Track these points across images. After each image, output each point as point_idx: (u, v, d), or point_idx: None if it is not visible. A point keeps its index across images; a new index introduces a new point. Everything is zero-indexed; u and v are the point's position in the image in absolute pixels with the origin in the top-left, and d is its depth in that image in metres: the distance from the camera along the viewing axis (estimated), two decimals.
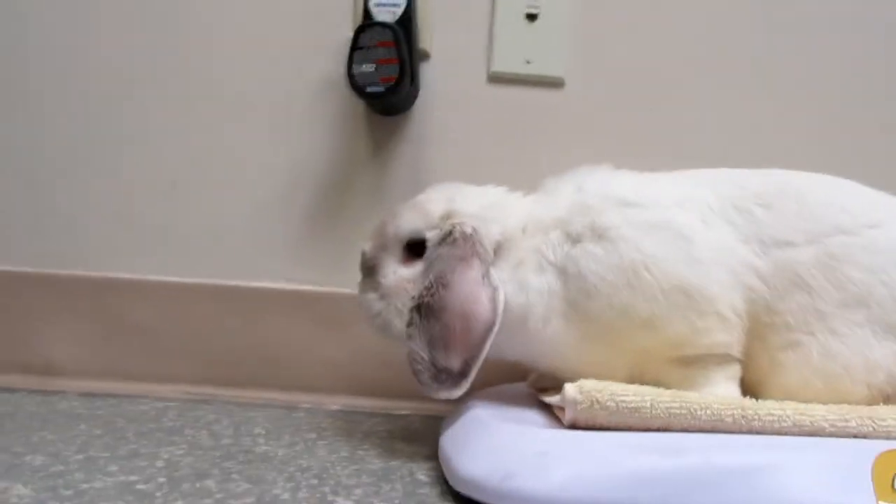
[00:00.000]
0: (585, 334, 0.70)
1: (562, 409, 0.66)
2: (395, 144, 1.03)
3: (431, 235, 0.74)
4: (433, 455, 0.77)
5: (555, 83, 1.03)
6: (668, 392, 0.61)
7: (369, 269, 0.78)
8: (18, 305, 1.02)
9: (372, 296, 0.77)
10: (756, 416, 0.59)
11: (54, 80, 1.04)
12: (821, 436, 0.58)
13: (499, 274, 0.71)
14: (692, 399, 0.60)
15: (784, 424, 0.58)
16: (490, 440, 0.63)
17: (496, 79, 1.03)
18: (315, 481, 0.65)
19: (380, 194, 1.03)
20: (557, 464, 0.57)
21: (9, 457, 0.67)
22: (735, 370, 0.69)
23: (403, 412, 0.99)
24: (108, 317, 1.02)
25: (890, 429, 0.58)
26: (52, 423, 0.82)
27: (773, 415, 0.59)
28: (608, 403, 0.60)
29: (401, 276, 0.75)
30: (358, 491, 0.63)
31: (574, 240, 0.71)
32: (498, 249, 0.73)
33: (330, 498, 0.60)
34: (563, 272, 0.71)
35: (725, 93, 1.04)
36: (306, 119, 1.03)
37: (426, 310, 0.68)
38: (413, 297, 0.71)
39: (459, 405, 0.80)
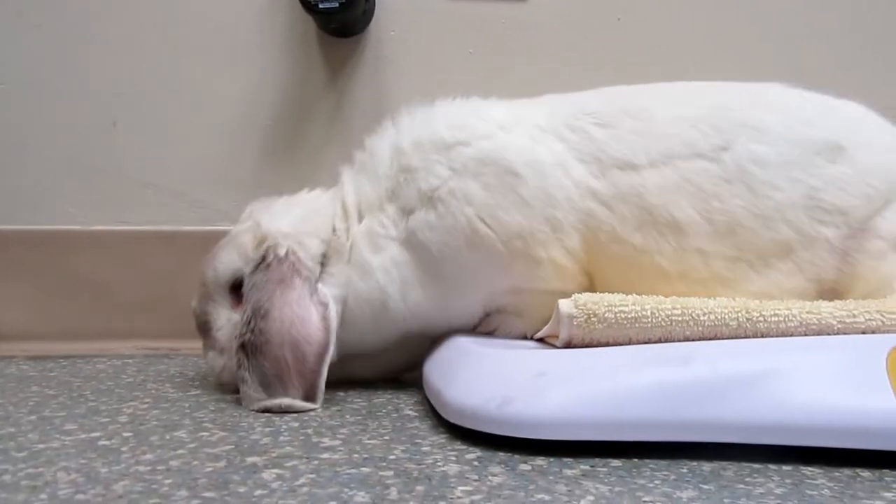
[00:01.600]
0: (445, 294, 0.69)
1: (552, 336, 0.63)
2: (353, 68, 0.97)
3: (249, 269, 0.68)
4: (417, 391, 0.73)
5: None
6: (668, 299, 0.58)
7: (202, 328, 0.72)
8: None
9: (212, 354, 0.71)
10: (761, 318, 0.56)
11: None
12: (828, 334, 0.55)
13: (334, 280, 0.68)
14: (694, 304, 0.57)
15: (790, 325, 0.55)
16: (481, 367, 0.59)
17: None
18: (295, 424, 0.60)
19: (340, 123, 0.97)
20: (557, 384, 0.53)
21: None
22: None
23: None
24: (55, 273, 0.95)
25: None
26: (1, 388, 0.75)
27: (778, 315, 0.56)
28: (606, 315, 0.56)
29: (234, 322, 0.69)
30: (343, 430, 0.58)
31: (408, 212, 0.69)
32: (324, 259, 0.69)
33: (315, 439, 0.56)
34: (407, 244, 0.69)
35: (690, 4, 0.99)
36: (255, 45, 0.96)
37: (251, 347, 0.63)
38: (235, 337, 0.65)
39: (440, 337, 0.76)
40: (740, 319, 0.56)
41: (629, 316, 0.56)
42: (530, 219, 0.65)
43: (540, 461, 0.50)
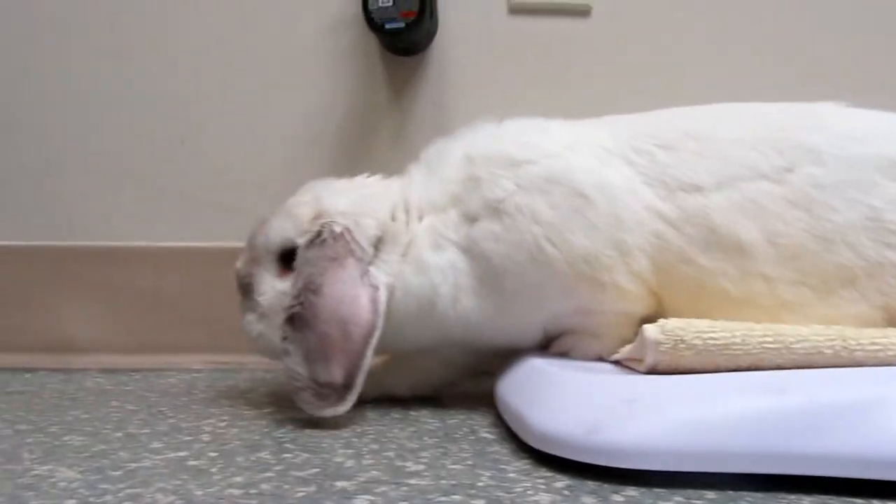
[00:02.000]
0: (500, 308, 0.68)
1: (632, 359, 0.62)
2: (415, 86, 0.97)
3: (303, 241, 0.68)
4: (489, 412, 0.72)
5: (581, 11, 0.97)
6: (759, 326, 0.56)
7: (245, 289, 0.73)
8: (29, 281, 0.97)
9: (250, 317, 0.71)
10: (859, 347, 0.54)
11: (44, 33, 0.96)
12: None
13: (387, 267, 0.68)
14: (786, 331, 0.55)
15: (889, 353, 0.54)
16: (565, 392, 0.58)
17: (518, 9, 0.96)
18: (376, 446, 0.60)
19: (403, 141, 0.97)
20: (649, 412, 0.52)
21: (46, 437, 0.62)
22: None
23: None
24: (125, 288, 0.97)
25: None
26: (81, 401, 0.77)
27: (877, 343, 0.54)
28: (694, 342, 0.55)
29: (278, 290, 0.69)
30: (425, 454, 0.58)
31: (471, 219, 0.68)
32: (379, 244, 0.69)
33: (398, 463, 0.56)
34: (467, 252, 0.68)
35: (759, 19, 0.98)
36: (319, 64, 0.97)
37: (299, 320, 0.64)
38: (283, 310, 0.65)
39: (512, 358, 0.75)
40: (836, 348, 0.54)
41: (718, 343, 0.55)
42: (596, 242, 0.64)
43: (631, 492, 0.49)
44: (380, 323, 0.64)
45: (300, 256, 0.67)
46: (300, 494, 0.49)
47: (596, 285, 0.65)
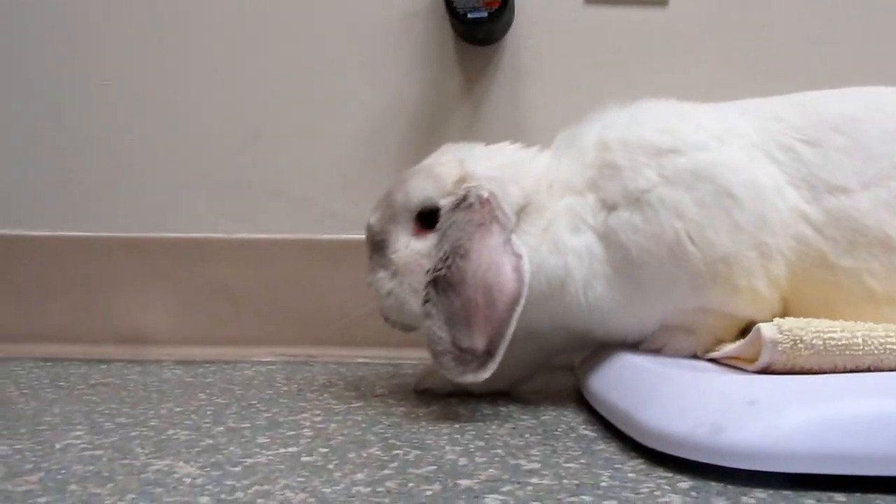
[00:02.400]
0: (629, 299, 0.67)
1: (736, 358, 0.61)
2: (489, 76, 0.96)
3: (445, 203, 0.67)
4: (578, 408, 0.72)
5: (658, 1, 0.95)
6: (880, 326, 0.55)
7: (377, 245, 0.72)
8: (102, 273, 0.97)
9: (382, 274, 0.71)
10: None
11: (118, 30, 0.97)
12: None
13: (526, 239, 0.66)
14: None
15: None
16: (678, 391, 0.57)
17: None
18: (481, 443, 0.60)
19: (476, 131, 0.96)
20: (771, 413, 0.51)
21: (150, 431, 0.63)
22: None
23: None
24: (196, 279, 0.97)
25: None
26: (168, 394, 0.77)
27: None
28: (814, 342, 0.55)
29: (413, 249, 0.69)
30: (535, 452, 0.58)
31: (610, 207, 0.66)
32: (521, 213, 0.68)
33: (511, 461, 0.55)
34: (604, 239, 0.67)
35: (837, 11, 0.96)
36: (393, 54, 0.96)
37: (443, 284, 0.63)
38: (428, 271, 0.65)
39: (602, 354, 0.75)
40: None
41: (839, 343, 0.54)
42: (738, 244, 0.63)
43: (759, 493, 0.49)
44: (525, 292, 0.62)
45: (446, 219, 0.66)
46: (428, 493, 0.48)
47: (730, 288, 0.64)
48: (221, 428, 0.64)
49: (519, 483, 0.51)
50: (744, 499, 0.48)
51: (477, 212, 0.64)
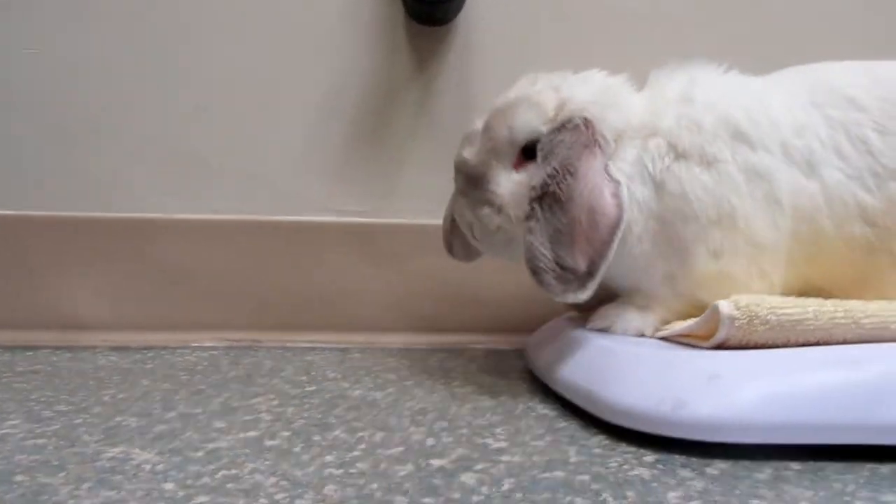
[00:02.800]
0: (664, 255, 0.66)
1: (689, 336, 0.63)
2: (441, 57, 0.95)
3: (546, 130, 0.66)
4: (533, 388, 0.73)
5: None
6: (829, 301, 0.58)
7: (475, 180, 0.69)
8: (35, 253, 0.91)
9: (487, 210, 0.68)
10: None
11: (63, 7, 0.91)
12: None
13: (623, 166, 0.65)
14: (855, 307, 0.57)
15: None
16: (640, 368, 0.59)
17: None
18: (445, 424, 0.60)
19: (427, 112, 0.95)
20: (733, 386, 0.53)
21: (95, 419, 0.59)
22: None
23: (462, 347, 0.94)
24: (134, 262, 0.93)
25: None
26: (107, 381, 0.73)
27: None
28: (768, 317, 0.57)
29: (517, 181, 0.67)
30: (500, 431, 0.58)
31: (680, 154, 0.65)
32: (618, 140, 0.66)
33: (479, 441, 0.55)
34: (660, 187, 0.65)
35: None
36: (341, 30, 0.94)
37: (551, 200, 0.61)
38: (533, 188, 0.63)
39: (553, 334, 0.76)
40: None
41: (792, 318, 0.57)
42: (777, 241, 0.65)
43: (721, 465, 0.51)
44: (625, 218, 0.62)
45: (547, 140, 0.65)
46: (402, 473, 0.48)
47: (750, 273, 0.65)
48: (173, 413, 0.61)
49: (491, 461, 0.51)
50: (707, 469, 0.50)
51: (583, 133, 0.63)
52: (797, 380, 0.53)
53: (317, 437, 0.55)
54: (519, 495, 0.44)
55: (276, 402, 0.66)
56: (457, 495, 0.44)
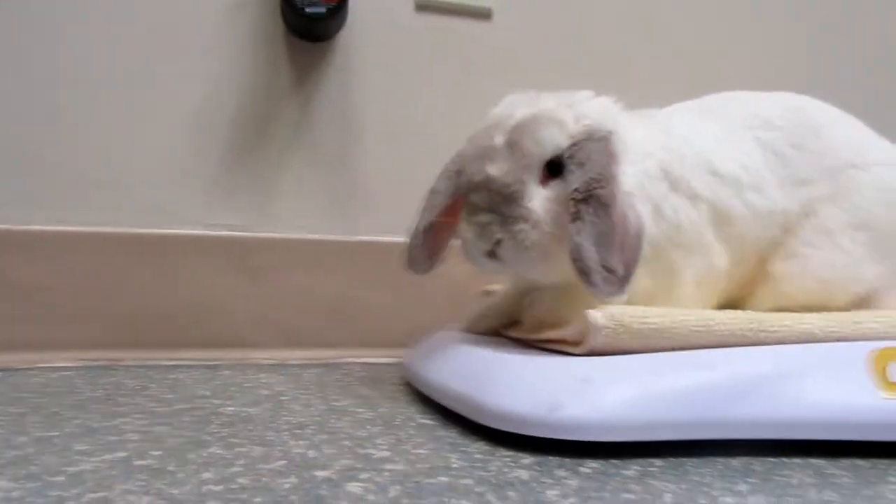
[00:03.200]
0: (651, 273, 0.68)
1: (561, 341, 0.66)
2: (320, 73, 0.95)
3: (573, 141, 0.67)
4: (411, 399, 0.74)
5: (483, 14, 1.00)
6: (687, 312, 0.63)
7: (509, 197, 0.67)
8: None
9: (523, 226, 0.66)
10: (763, 329, 0.62)
11: None
12: (813, 342, 0.63)
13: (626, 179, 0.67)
14: (710, 316, 0.62)
15: (787, 334, 0.63)
16: (517, 374, 0.61)
17: (424, 6, 0.98)
18: (325, 436, 0.59)
19: (305, 128, 0.95)
20: (605, 389, 0.57)
21: None
22: None
23: (339, 361, 0.93)
24: None
25: (865, 330, 0.64)
26: None
27: (777, 326, 0.63)
28: (634, 327, 0.61)
29: (546, 197, 0.67)
30: (381, 441, 0.58)
31: (672, 185, 0.70)
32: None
33: (361, 451, 0.55)
34: (658, 213, 0.69)
35: (656, 22, 1.07)
36: (219, 40, 0.91)
37: (596, 203, 0.62)
38: (576, 190, 0.64)
39: (432, 345, 0.77)
40: (748, 330, 0.62)
41: (654, 327, 0.61)
42: (722, 258, 0.72)
43: (593, 464, 0.54)
44: (645, 230, 0.64)
45: (581, 147, 0.66)
46: (286, 486, 0.47)
47: (713, 297, 0.72)
48: (24, 438, 0.56)
49: (375, 470, 0.51)
50: (581, 469, 0.52)
51: (609, 144, 0.65)
52: (659, 382, 0.57)
53: (192, 455, 0.53)
54: (406, 501, 0.45)
55: (143, 422, 0.62)
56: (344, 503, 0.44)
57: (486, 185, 0.68)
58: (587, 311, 0.62)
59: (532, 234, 0.67)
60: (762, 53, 1.13)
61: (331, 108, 0.95)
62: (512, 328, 0.77)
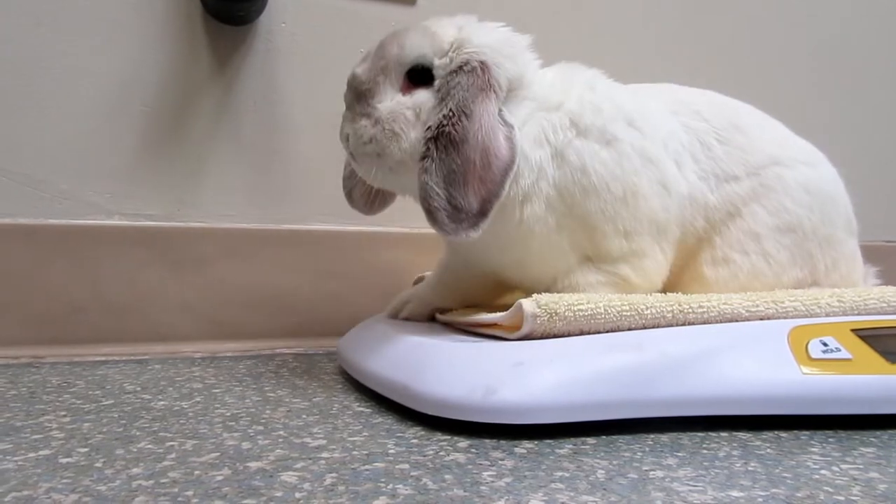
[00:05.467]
0: (561, 226, 0.69)
1: (493, 325, 0.67)
2: (241, 58, 0.93)
3: (440, 63, 0.67)
4: (347, 388, 0.73)
5: (406, 0, 1.00)
6: (615, 297, 0.64)
7: (361, 94, 0.68)
8: None
9: (365, 122, 0.67)
10: (690, 310, 0.64)
11: None
12: (739, 321, 0.66)
13: (509, 118, 0.67)
14: (637, 300, 0.64)
15: (711, 314, 0.65)
16: (453, 361, 0.61)
17: None
18: (260, 427, 0.58)
19: (227, 114, 0.92)
20: (537, 372, 0.57)
21: None
22: None
23: (271, 352, 0.92)
24: None
25: (788, 309, 0.67)
26: None
27: (703, 307, 0.65)
28: (566, 314, 0.62)
29: (399, 101, 0.67)
30: (317, 430, 0.58)
31: (581, 132, 0.69)
32: (509, 91, 0.68)
33: (296, 441, 0.55)
34: (560, 157, 0.68)
35: (581, 11, 1.08)
36: (133, 20, 0.88)
37: (446, 140, 0.63)
38: (429, 128, 0.65)
39: (366, 333, 0.77)
40: (675, 311, 0.64)
41: (586, 314, 0.62)
42: (670, 222, 0.72)
43: (528, 444, 0.54)
44: (517, 161, 0.64)
45: (447, 80, 0.66)
46: (219, 478, 0.46)
47: (655, 251, 0.71)
48: None
49: (311, 459, 0.50)
50: (516, 449, 0.53)
51: (479, 76, 0.65)
52: (590, 364, 0.58)
53: (120, 451, 0.51)
54: (342, 488, 0.45)
55: (67, 419, 0.60)
56: (279, 493, 0.43)
57: (351, 84, 0.70)
58: (520, 300, 0.63)
59: (370, 130, 0.67)
60: (688, 54, 1.16)
61: (254, 94, 0.93)
62: (444, 313, 0.78)
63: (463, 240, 0.63)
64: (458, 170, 0.63)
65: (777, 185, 0.76)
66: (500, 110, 0.66)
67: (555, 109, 0.70)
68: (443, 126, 0.64)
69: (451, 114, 0.64)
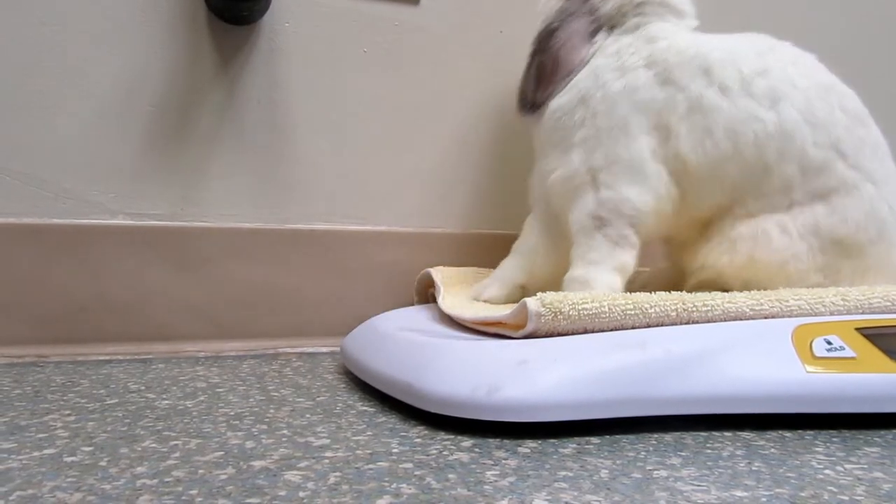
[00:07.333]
0: (592, 128, 0.77)
1: (497, 323, 0.67)
2: (245, 57, 0.92)
3: None
4: (350, 387, 0.73)
5: (408, 0, 0.99)
6: (620, 296, 0.64)
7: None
8: None
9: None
10: (694, 308, 0.64)
11: None
12: (743, 319, 0.65)
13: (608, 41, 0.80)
14: (641, 298, 0.64)
15: (716, 313, 0.65)
16: (455, 358, 0.61)
17: None
18: (263, 426, 0.58)
19: (231, 113, 0.92)
20: (541, 371, 0.57)
21: None
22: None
23: (275, 351, 0.92)
24: None
25: (792, 308, 0.67)
26: None
27: (707, 305, 0.65)
28: (570, 313, 0.61)
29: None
30: (321, 430, 0.58)
31: (649, 65, 0.76)
32: (616, 16, 0.80)
33: (300, 440, 0.55)
34: (622, 74, 0.77)
35: None
36: (138, 20, 0.88)
37: (538, 47, 0.81)
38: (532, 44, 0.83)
39: (369, 332, 0.77)
40: (679, 310, 0.64)
41: (590, 312, 0.62)
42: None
43: (531, 444, 0.54)
44: (578, 69, 0.78)
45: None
46: (223, 477, 0.46)
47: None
48: None
49: (314, 458, 0.50)
50: (519, 449, 0.53)
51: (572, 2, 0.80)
52: (594, 362, 0.58)
53: (124, 450, 0.51)
54: (346, 487, 0.45)
55: (72, 418, 0.60)
56: (283, 492, 0.44)
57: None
58: (525, 299, 0.63)
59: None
60: None
61: (257, 93, 0.92)
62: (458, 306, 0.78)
63: (521, 118, 0.85)
64: (535, 69, 0.82)
65: (864, 194, 0.73)
66: (597, 31, 0.79)
67: (644, 45, 0.78)
68: (539, 41, 0.83)
69: (552, 22, 0.82)
